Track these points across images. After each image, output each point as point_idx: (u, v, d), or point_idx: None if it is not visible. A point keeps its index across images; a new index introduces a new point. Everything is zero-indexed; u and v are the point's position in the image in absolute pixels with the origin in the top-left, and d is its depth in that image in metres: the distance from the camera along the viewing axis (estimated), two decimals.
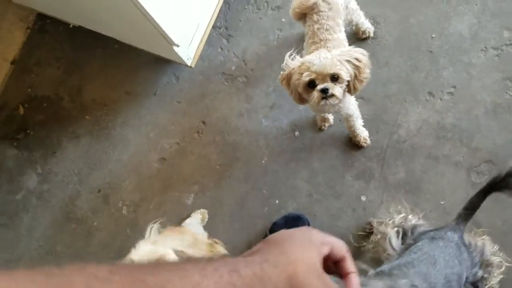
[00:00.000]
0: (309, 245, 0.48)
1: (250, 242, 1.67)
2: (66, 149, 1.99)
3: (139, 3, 1.45)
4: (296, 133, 1.77)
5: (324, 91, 1.24)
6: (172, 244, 1.12)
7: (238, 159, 1.79)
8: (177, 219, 1.74)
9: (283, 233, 0.51)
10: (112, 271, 0.35)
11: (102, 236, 1.81)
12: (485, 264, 1.25)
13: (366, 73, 1.31)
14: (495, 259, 1.28)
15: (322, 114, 1.68)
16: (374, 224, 1.52)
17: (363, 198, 1.65)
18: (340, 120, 1.73)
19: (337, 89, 1.25)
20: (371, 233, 1.57)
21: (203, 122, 1.87)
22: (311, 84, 1.26)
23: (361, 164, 1.69)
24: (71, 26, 2.13)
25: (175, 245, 1.12)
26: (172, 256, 1.10)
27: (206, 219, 1.70)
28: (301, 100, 1.36)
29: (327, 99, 1.25)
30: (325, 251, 0.49)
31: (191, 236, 1.21)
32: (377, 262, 1.40)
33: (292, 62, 1.32)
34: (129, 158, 1.91)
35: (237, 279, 0.39)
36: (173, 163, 1.86)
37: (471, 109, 1.67)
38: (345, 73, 1.26)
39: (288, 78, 1.33)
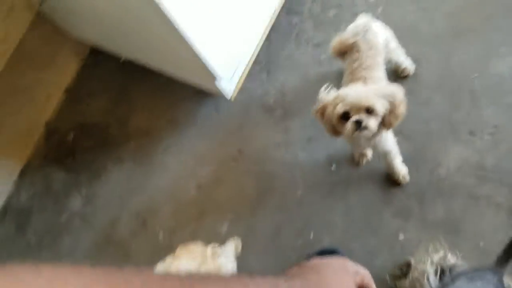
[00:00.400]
0: (345, 273, 0.50)
1: (279, 273, 1.66)
2: (111, 173, 2.09)
3: (188, 38, 1.55)
4: (333, 167, 1.78)
5: (358, 123, 1.25)
6: (184, 267, 1.15)
7: (274, 189, 1.81)
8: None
9: (319, 260, 0.53)
10: (165, 277, 0.37)
11: (138, 260, 1.86)
12: None
13: (402, 109, 1.31)
14: None
15: (360, 150, 1.69)
16: (412, 262, 1.49)
17: (401, 237, 1.63)
18: (378, 158, 1.74)
19: (371, 122, 1.26)
20: (407, 273, 1.54)
21: (240, 151, 1.93)
22: (345, 116, 1.27)
23: (399, 201, 1.68)
24: (121, 60, 2.28)
25: (187, 267, 1.15)
26: None
27: (240, 248, 1.71)
28: (335, 132, 1.38)
29: (360, 131, 1.26)
30: (359, 280, 0.51)
31: (199, 253, 1.24)
32: None
33: (327, 95, 1.35)
34: (168, 184, 1.98)
35: None
36: (209, 190, 1.91)
37: None
38: (380, 107, 1.26)
39: (322, 111, 1.35)
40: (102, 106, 2.29)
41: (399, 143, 1.74)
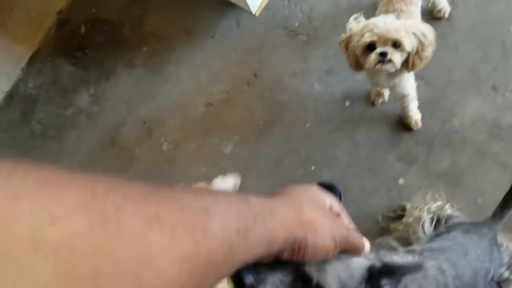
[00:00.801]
0: (315, 197, 0.52)
1: None
2: (120, 76, 2.06)
3: None
4: (347, 103, 1.76)
5: (383, 54, 1.22)
6: None
7: (283, 118, 1.80)
8: (212, 166, 1.81)
9: (291, 186, 0.54)
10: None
11: (140, 166, 1.90)
12: None
13: (429, 51, 1.28)
14: None
15: (378, 88, 1.65)
16: (408, 207, 1.53)
17: (401, 181, 1.65)
18: (394, 99, 1.70)
19: (396, 55, 1.23)
20: (401, 216, 1.59)
21: (255, 75, 1.89)
22: (371, 47, 1.24)
23: (407, 146, 1.67)
24: None
25: None
26: None
27: (238, 185, 1.71)
28: (357, 65, 1.35)
29: (384, 63, 1.24)
30: (328, 202, 0.53)
31: None
32: (404, 242, 1.43)
33: (356, 24, 1.30)
34: (177, 97, 1.96)
35: (245, 205, 0.40)
36: (219, 110, 1.89)
37: None
38: (408, 43, 1.23)
39: (348, 41, 1.31)
40: (118, 2, 2.19)
41: (419, 87, 1.69)
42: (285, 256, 0.44)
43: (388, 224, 1.60)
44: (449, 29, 1.74)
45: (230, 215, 0.37)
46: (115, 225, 0.28)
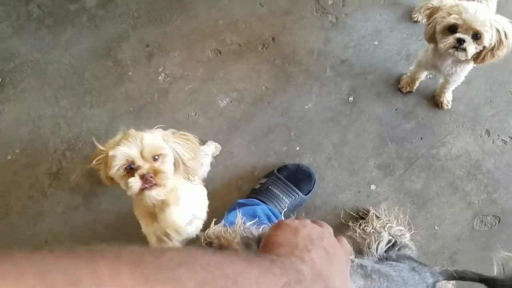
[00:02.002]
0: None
1: (255, 167, 1.75)
2: None
3: None
4: (350, 98, 1.78)
5: (460, 41, 1.24)
6: (181, 150, 1.20)
7: (286, 91, 1.81)
8: (202, 113, 1.81)
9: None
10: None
11: (130, 87, 1.87)
12: None
13: (504, 52, 1.30)
14: None
15: (428, 72, 1.69)
16: (371, 212, 1.62)
17: (373, 187, 1.73)
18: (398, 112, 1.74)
19: (472, 47, 1.25)
20: (362, 218, 1.68)
21: (273, 39, 1.86)
22: (452, 29, 1.26)
23: (389, 157, 1.74)
24: None
25: (183, 152, 1.20)
26: (170, 161, 1.17)
27: (218, 153, 1.73)
28: (431, 39, 1.36)
29: (458, 50, 1.26)
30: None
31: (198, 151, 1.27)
32: (355, 246, 1.52)
33: None
34: (188, 32, 1.91)
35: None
36: (226, 60, 1.87)
37: None
38: (488, 39, 1.24)
39: (433, 11, 1.31)
40: None
41: (422, 106, 1.75)
42: None
43: (347, 221, 1.70)
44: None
45: None
46: None
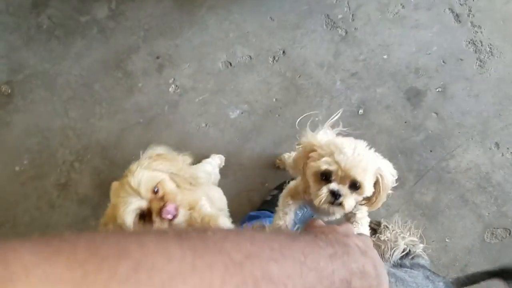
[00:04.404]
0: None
1: (266, 179, 1.79)
2: (146, 2, 2.03)
3: None
4: (360, 111, 1.84)
5: (334, 195, 0.99)
6: (166, 169, 1.21)
7: (296, 103, 1.86)
8: (213, 125, 1.85)
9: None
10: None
11: (140, 99, 1.91)
12: None
13: (384, 194, 1.06)
14: None
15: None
16: (383, 224, 1.66)
17: None
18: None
19: (349, 201, 1.00)
20: (373, 229, 1.72)
21: (284, 52, 1.92)
22: (325, 176, 1.01)
23: (400, 170, 1.76)
24: None
25: (168, 169, 1.21)
26: (168, 182, 1.18)
27: (223, 164, 1.76)
28: (305, 188, 1.11)
29: (333, 205, 1.00)
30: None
31: (181, 162, 1.28)
32: None
33: (320, 134, 1.11)
34: (199, 44, 1.97)
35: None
36: (237, 72, 1.92)
37: None
38: (369, 187, 1.00)
39: (310, 150, 1.06)
40: None
41: (431, 120, 1.81)
42: None
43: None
44: (478, 76, 1.84)
45: None
46: None
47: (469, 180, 1.77)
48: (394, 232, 1.57)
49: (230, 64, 1.93)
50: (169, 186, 1.16)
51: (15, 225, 1.80)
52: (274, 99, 1.87)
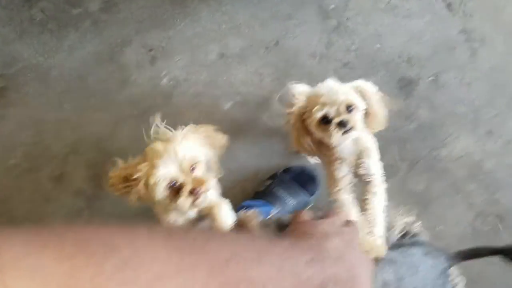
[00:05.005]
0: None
1: (259, 169, 1.81)
2: None
3: None
4: None
5: (342, 124, 1.11)
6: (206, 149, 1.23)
7: None
8: (207, 116, 1.86)
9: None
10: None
11: (134, 91, 1.93)
12: None
13: (378, 108, 1.24)
14: None
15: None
16: None
17: None
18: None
19: (354, 119, 1.14)
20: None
21: (276, 42, 1.93)
22: (325, 120, 1.13)
23: (392, 159, 1.81)
24: None
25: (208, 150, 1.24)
26: (202, 164, 1.21)
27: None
28: (318, 147, 1.25)
29: (348, 132, 1.13)
30: None
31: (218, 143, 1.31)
32: None
33: (299, 94, 1.21)
34: (192, 36, 1.98)
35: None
36: (229, 63, 1.93)
37: None
38: (360, 102, 1.17)
39: (302, 116, 1.20)
40: None
41: (423, 109, 1.82)
42: None
43: None
44: (470, 65, 1.86)
45: None
46: None
47: (461, 168, 1.79)
48: (393, 215, 1.59)
49: (223, 55, 1.95)
50: (202, 168, 1.20)
51: (10, 219, 1.82)
52: (267, 90, 1.89)
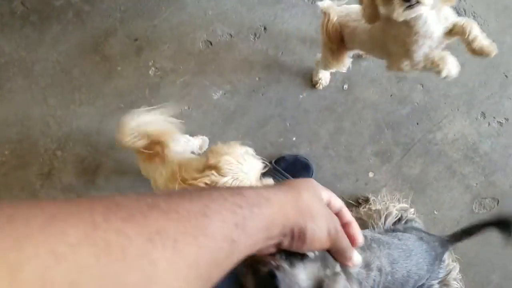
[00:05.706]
0: (314, 188, 0.53)
1: None
2: None
3: None
4: (345, 86, 1.82)
5: None
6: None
7: (279, 81, 1.84)
8: (196, 107, 1.84)
9: (288, 180, 0.57)
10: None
11: (120, 83, 1.89)
12: (444, 283, 1.43)
13: None
14: (454, 284, 1.45)
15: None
16: (371, 199, 1.67)
17: (371, 175, 1.78)
18: (390, 96, 1.79)
19: None
20: (360, 204, 1.73)
21: (265, 28, 1.89)
22: None
23: (386, 144, 1.79)
24: None
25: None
26: None
27: (204, 149, 1.68)
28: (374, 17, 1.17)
29: (412, 7, 1.04)
30: (326, 196, 0.55)
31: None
32: (360, 223, 1.56)
33: None
34: (178, 24, 1.93)
35: (241, 198, 0.42)
36: (217, 51, 1.89)
37: (510, 147, 1.76)
38: None
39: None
40: None
41: (416, 92, 1.80)
42: (285, 244, 0.48)
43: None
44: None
45: (227, 211, 0.40)
46: (119, 251, 0.30)
47: (456, 151, 1.78)
48: (383, 202, 1.58)
49: (211, 44, 1.90)
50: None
51: None
52: (257, 78, 1.85)
